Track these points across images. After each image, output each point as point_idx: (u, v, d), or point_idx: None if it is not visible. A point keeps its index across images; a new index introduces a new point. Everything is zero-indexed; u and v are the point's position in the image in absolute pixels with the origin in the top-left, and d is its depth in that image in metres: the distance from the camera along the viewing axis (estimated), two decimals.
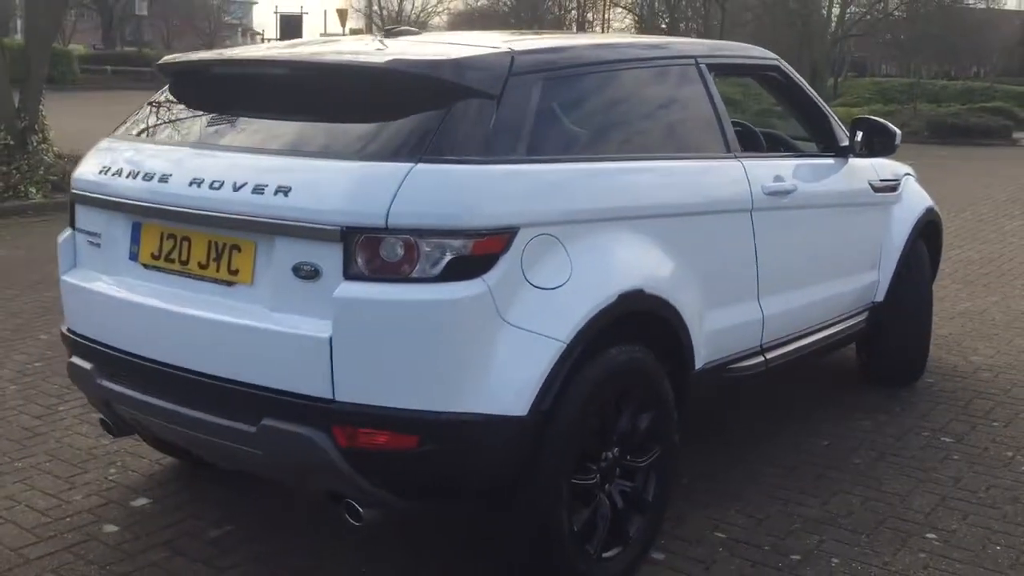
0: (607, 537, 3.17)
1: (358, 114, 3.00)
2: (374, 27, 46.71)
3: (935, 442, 4.60)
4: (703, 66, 3.85)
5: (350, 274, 2.73)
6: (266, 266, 2.90)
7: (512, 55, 3.08)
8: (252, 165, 2.95)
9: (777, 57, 4.46)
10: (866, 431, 4.71)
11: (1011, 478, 4.20)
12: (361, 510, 2.89)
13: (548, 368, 2.85)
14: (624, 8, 46.77)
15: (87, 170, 3.42)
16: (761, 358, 3.95)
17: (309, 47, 3.56)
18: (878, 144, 4.59)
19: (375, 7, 46.75)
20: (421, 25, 51.41)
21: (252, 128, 3.19)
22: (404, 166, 2.75)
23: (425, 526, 3.64)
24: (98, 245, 3.32)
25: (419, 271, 2.71)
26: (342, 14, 37.25)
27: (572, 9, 51.49)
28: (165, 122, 3.49)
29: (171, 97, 3.54)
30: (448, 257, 2.71)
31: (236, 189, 2.90)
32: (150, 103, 3.61)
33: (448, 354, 2.75)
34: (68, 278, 3.42)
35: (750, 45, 4.53)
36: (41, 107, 12.44)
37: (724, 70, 4.07)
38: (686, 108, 3.75)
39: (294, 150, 2.96)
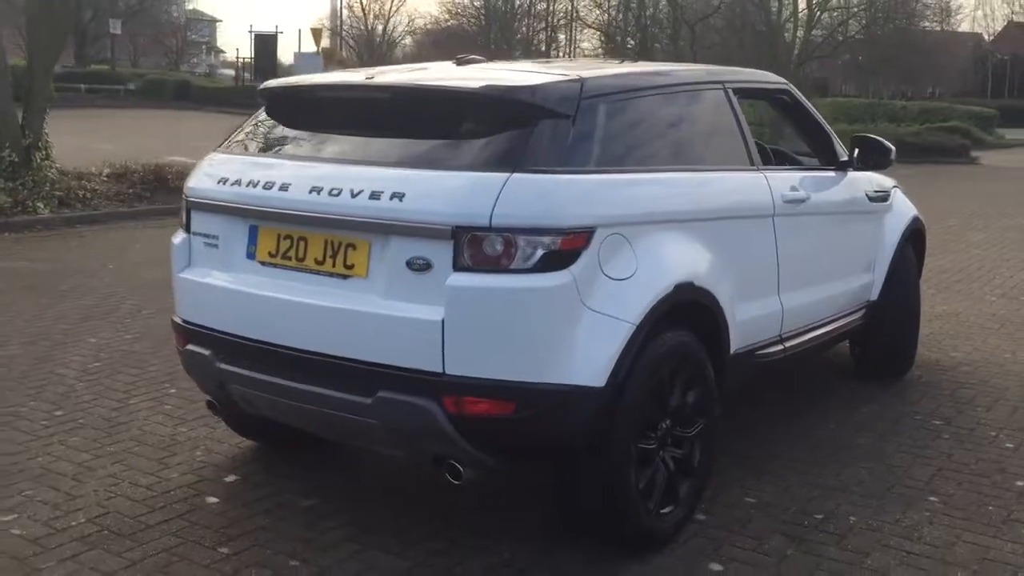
0: (662, 497, 3.67)
1: (456, 131, 3.52)
2: (344, 45, 47.21)
3: (927, 424, 5.16)
4: (729, 90, 4.41)
5: (459, 266, 3.23)
6: (380, 261, 3.39)
7: (581, 81, 3.61)
8: (366, 175, 3.44)
9: (787, 82, 5.03)
10: (866, 416, 5.26)
11: (996, 453, 4.76)
12: (461, 470, 3.38)
13: (621, 346, 3.36)
14: (595, 28, 47.63)
15: (203, 180, 3.89)
16: (781, 346, 4.49)
17: (400, 73, 4.07)
18: (875, 159, 5.17)
19: (346, 28, 47.26)
20: (391, 45, 52.03)
21: (356, 143, 3.69)
22: (502, 175, 3.26)
23: (490, 484, 4.12)
24: (215, 246, 3.79)
25: (517, 263, 3.22)
26: (316, 34, 37.73)
27: (541, 30, 52.33)
28: (268, 139, 3.97)
29: (270, 117, 4.03)
30: (541, 252, 3.22)
31: (354, 195, 3.39)
32: (249, 123, 4.09)
33: (540, 333, 3.26)
34: (185, 275, 3.88)
35: (763, 72, 5.09)
36: (44, 125, 12.79)
37: (744, 93, 4.62)
38: (718, 126, 4.30)
39: (402, 162, 3.46)
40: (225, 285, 3.74)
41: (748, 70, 5.06)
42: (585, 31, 50.30)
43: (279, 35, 39.83)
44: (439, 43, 49.37)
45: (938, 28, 52.53)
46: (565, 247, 3.25)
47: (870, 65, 39.24)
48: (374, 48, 50.84)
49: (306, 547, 3.68)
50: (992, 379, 5.97)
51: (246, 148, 3.98)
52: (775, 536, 3.83)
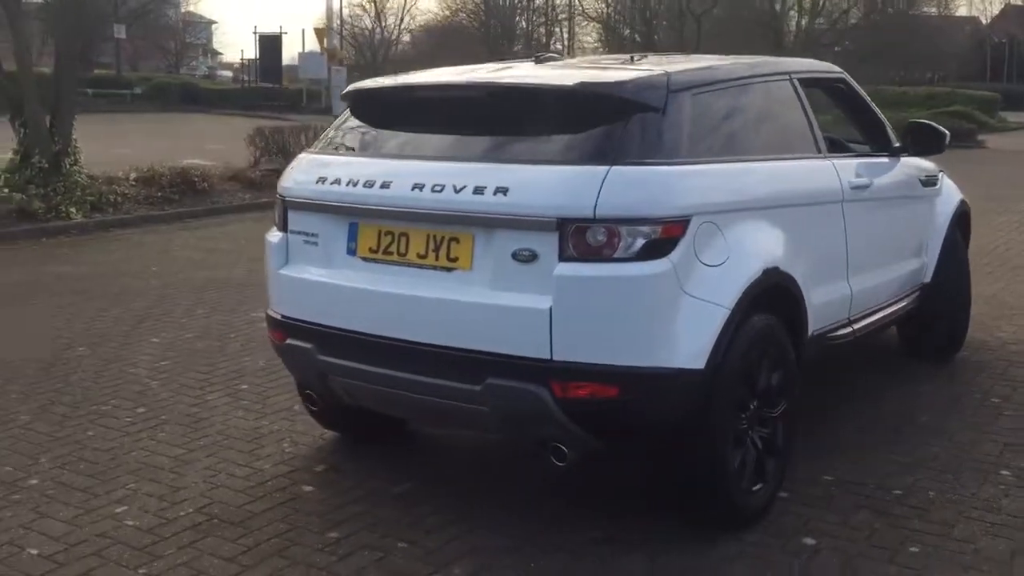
0: (753, 475, 3.82)
1: (553, 127, 3.66)
2: (345, 44, 47.27)
3: (986, 403, 5.31)
4: (795, 80, 4.55)
5: (564, 256, 3.38)
6: (485, 253, 3.53)
7: (668, 76, 3.74)
8: (468, 171, 3.58)
9: (843, 71, 5.17)
10: (924, 396, 5.41)
11: None
12: (566, 451, 3.52)
13: (718, 330, 3.51)
14: (597, 21, 47.73)
15: (300, 181, 4.03)
16: (849, 328, 4.64)
17: (488, 72, 4.20)
18: (929, 144, 5.31)
19: (346, 27, 47.32)
20: (392, 43, 52.09)
21: (453, 141, 3.83)
22: (603, 168, 3.40)
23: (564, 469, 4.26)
24: (315, 243, 3.93)
25: (620, 252, 3.36)
26: (320, 33, 37.82)
27: (541, 24, 52.43)
28: (361, 139, 4.11)
29: (358, 118, 4.17)
30: (642, 241, 3.37)
31: (457, 191, 3.53)
32: (337, 124, 4.23)
33: (643, 319, 3.40)
34: (285, 272, 4.02)
35: (822, 62, 5.23)
36: (73, 130, 12.91)
37: (807, 83, 4.76)
38: (789, 116, 4.44)
39: (501, 158, 3.61)
40: (326, 281, 3.88)
41: (807, 60, 5.20)
42: (587, 25, 50.43)
43: (283, 35, 39.82)
44: (436, 40, 49.46)
45: (934, 11, 52.58)
46: (664, 236, 3.39)
47: (872, 52, 39.32)
48: (375, 47, 50.90)
49: (410, 530, 3.83)
50: None
51: (339, 148, 4.12)
52: (860, 511, 3.98)
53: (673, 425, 3.55)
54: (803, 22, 37.47)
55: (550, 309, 3.37)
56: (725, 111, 4.02)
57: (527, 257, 3.43)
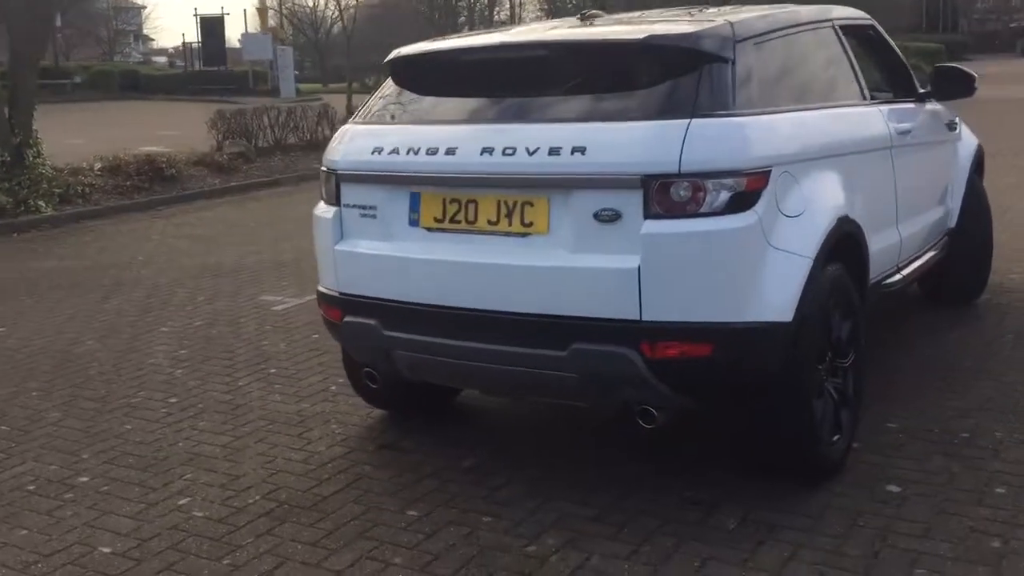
0: (832, 426, 3.79)
1: (623, 83, 3.57)
2: (285, 22, 46.48)
3: (1021, 343, 5.34)
4: (837, 27, 4.50)
5: (650, 214, 3.30)
6: (563, 216, 3.44)
7: (732, 25, 3.67)
8: (540, 132, 3.48)
9: (872, 18, 5.13)
10: (959, 340, 5.43)
11: None
12: (655, 413, 3.46)
13: (803, 281, 3.46)
14: None
15: (352, 152, 3.90)
16: (899, 275, 4.63)
17: (540, 31, 4.09)
18: (956, 88, 5.29)
19: (287, 5, 46.58)
20: (331, 21, 51.28)
21: (515, 103, 3.72)
22: (682, 122, 3.33)
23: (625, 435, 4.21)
24: (373, 216, 3.81)
25: (706, 207, 3.29)
26: (262, 14, 37.17)
27: None
28: (411, 107, 3.99)
29: (402, 86, 4.04)
30: (727, 194, 3.30)
31: (531, 153, 3.43)
32: (381, 93, 4.10)
33: (733, 273, 3.34)
34: (341, 247, 3.90)
35: (854, 8, 5.18)
36: (33, 122, 12.52)
37: (846, 30, 4.71)
38: (838, 63, 4.40)
39: (572, 117, 3.51)
40: (389, 254, 3.77)
41: (844, 7, 5.15)
42: None
43: (226, 16, 39.03)
44: (376, 17, 48.77)
45: None
46: (749, 188, 3.33)
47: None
48: (317, 24, 50.13)
49: (489, 504, 3.75)
50: None
51: (389, 118, 4.00)
52: (934, 456, 3.97)
53: (766, 380, 3.50)
54: None
55: (638, 268, 3.30)
56: (784, 60, 3.96)
57: (610, 217, 3.35)
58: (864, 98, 4.48)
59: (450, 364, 3.73)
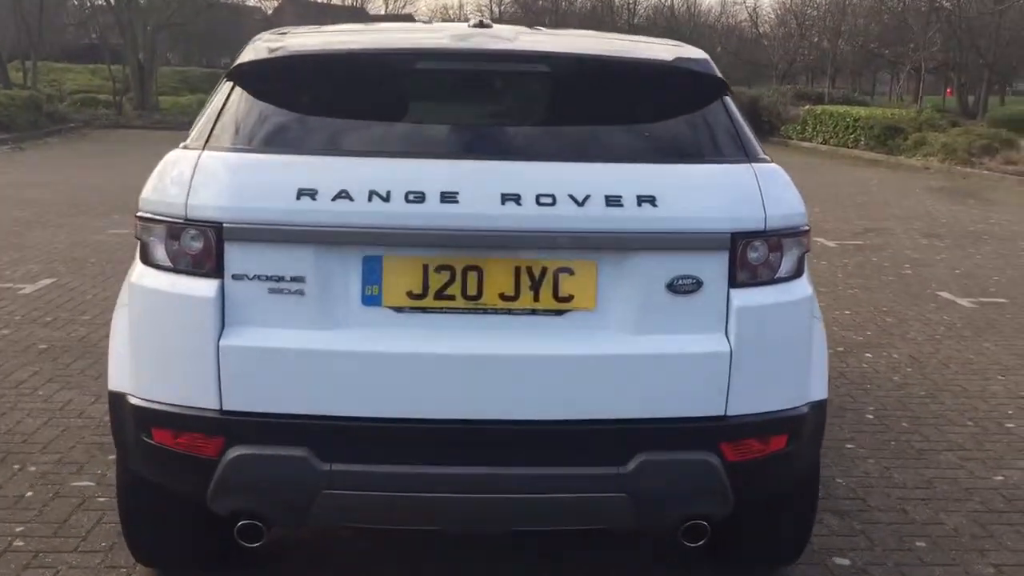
0: None
1: (657, 113, 2.81)
2: None
3: None
4: None
5: (736, 281, 2.62)
6: (617, 286, 2.58)
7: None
8: (586, 175, 2.59)
9: None
10: None
11: None
12: (708, 527, 2.78)
13: (826, 352, 3.04)
14: None
15: (252, 196, 2.55)
16: None
17: (507, 39, 3.04)
18: None
19: None
20: None
21: (516, 134, 2.76)
22: (747, 167, 2.72)
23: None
24: (298, 293, 2.53)
25: (783, 271, 2.71)
26: None
27: None
28: (326, 127, 2.74)
29: (308, 94, 2.80)
30: (798, 253, 2.75)
31: (580, 203, 2.53)
32: (251, 104, 2.78)
33: (807, 348, 2.80)
34: (233, 341, 2.53)
35: None
36: None
37: None
38: None
39: (622, 156, 2.68)
40: (331, 348, 2.53)
41: None
42: None
43: None
44: None
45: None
46: (807, 248, 2.82)
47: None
48: None
49: None
50: None
51: (295, 142, 2.70)
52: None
53: (813, 467, 3.01)
54: None
55: (730, 352, 2.59)
56: None
57: (689, 286, 2.59)
58: None
59: (435, 501, 2.61)
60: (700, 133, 2.80)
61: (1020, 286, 8.18)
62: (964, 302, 7.54)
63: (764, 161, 2.79)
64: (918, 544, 3.61)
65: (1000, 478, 4.23)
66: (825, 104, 26.00)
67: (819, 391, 2.87)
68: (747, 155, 2.76)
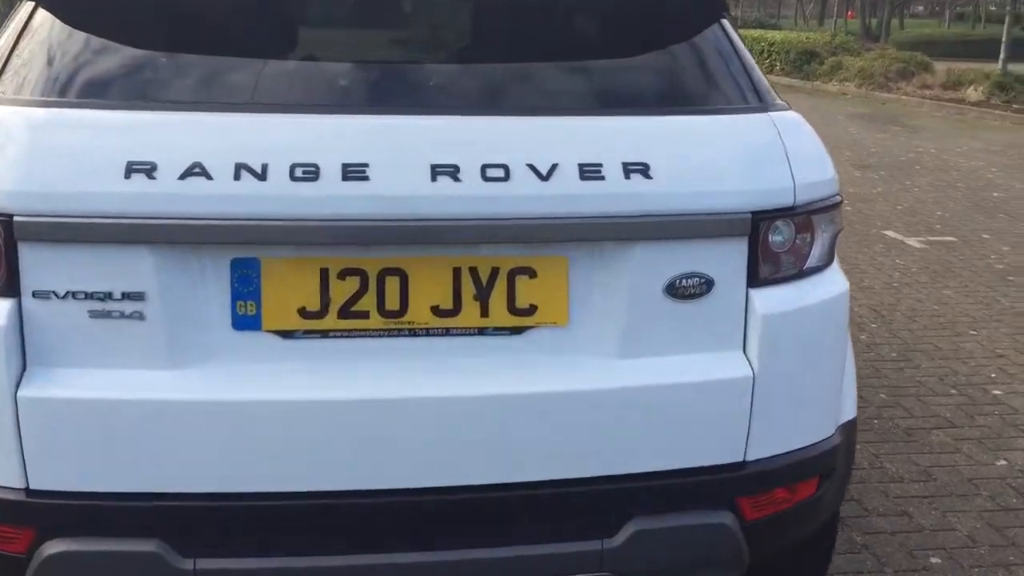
0: None
1: (642, 43, 2.04)
2: None
3: None
4: None
5: (760, 277, 1.90)
6: (597, 291, 1.84)
7: None
8: (549, 133, 1.82)
9: None
10: None
11: None
12: None
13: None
14: None
15: (54, 176, 1.71)
16: None
17: None
18: None
19: None
20: None
21: (450, 73, 1.96)
22: (765, 116, 1.99)
23: None
24: (136, 316, 1.73)
25: (812, 261, 2.00)
26: None
27: None
28: (158, 68, 1.90)
29: (150, 20, 1.96)
30: (830, 234, 2.05)
31: (545, 176, 1.77)
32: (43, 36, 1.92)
33: (841, 360, 2.10)
34: (35, 392, 1.72)
35: None
36: None
37: None
38: None
39: (595, 105, 1.90)
40: (189, 396, 1.74)
41: None
42: None
43: None
44: None
45: None
46: (841, 224, 2.12)
47: None
48: None
49: None
50: None
51: (145, 95, 1.86)
52: None
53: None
54: None
55: (752, 376, 1.88)
56: None
57: (696, 288, 1.86)
58: None
59: None
60: (697, 72, 2.04)
61: (964, 222, 7.71)
62: (913, 242, 7.03)
63: (782, 108, 2.06)
64: (933, 561, 3.01)
65: (1003, 463, 3.67)
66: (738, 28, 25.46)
67: (850, 407, 2.20)
68: (761, 100, 2.02)
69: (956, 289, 5.88)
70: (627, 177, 1.79)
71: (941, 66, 17.87)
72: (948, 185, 9.30)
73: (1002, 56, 16.93)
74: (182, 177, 1.70)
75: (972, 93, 15.84)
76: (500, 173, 1.75)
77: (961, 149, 11.78)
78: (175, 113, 1.79)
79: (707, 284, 1.86)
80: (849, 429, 2.18)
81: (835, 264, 2.08)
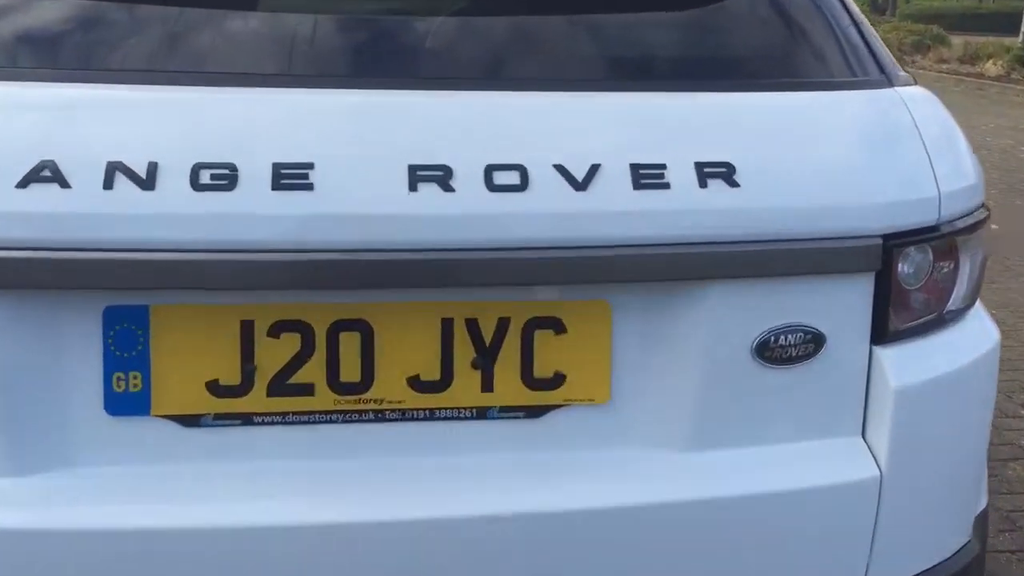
0: None
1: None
2: None
3: None
4: None
5: (890, 330, 1.30)
6: (648, 352, 1.25)
7: None
8: (582, 123, 1.22)
9: None
10: None
11: None
12: None
13: None
14: None
15: None
16: None
17: None
18: None
19: None
20: None
21: (431, 30, 1.34)
22: (909, 94, 1.40)
23: None
24: None
25: (958, 299, 1.41)
26: None
27: None
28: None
29: None
30: (979, 262, 1.45)
31: (580, 183, 1.16)
32: None
33: (984, 443, 1.51)
34: None
35: None
36: None
37: None
38: None
39: (654, 77, 1.31)
40: (39, 524, 1.15)
41: None
42: None
43: None
44: None
45: None
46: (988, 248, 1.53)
47: None
48: None
49: None
50: None
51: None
52: None
53: None
54: None
55: (879, 477, 1.29)
56: None
57: (798, 348, 1.26)
58: None
59: None
60: (797, 29, 1.42)
61: (1002, 208, 7.13)
62: None
63: (906, 82, 1.46)
64: None
65: None
66: None
67: (983, 496, 1.61)
68: (883, 71, 1.42)
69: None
70: (703, 184, 1.19)
71: (956, 39, 17.23)
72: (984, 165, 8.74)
73: (1023, 29, 16.28)
74: (21, 185, 1.09)
75: (991, 67, 15.22)
76: (513, 178, 1.15)
77: (988, 127, 11.18)
78: (8, 84, 1.18)
79: (815, 341, 1.26)
80: (982, 522, 1.60)
81: (979, 305, 1.48)
